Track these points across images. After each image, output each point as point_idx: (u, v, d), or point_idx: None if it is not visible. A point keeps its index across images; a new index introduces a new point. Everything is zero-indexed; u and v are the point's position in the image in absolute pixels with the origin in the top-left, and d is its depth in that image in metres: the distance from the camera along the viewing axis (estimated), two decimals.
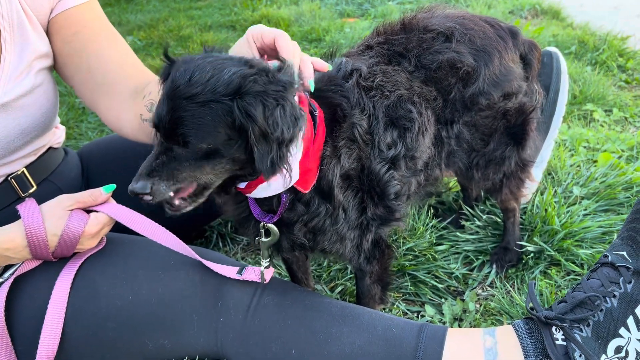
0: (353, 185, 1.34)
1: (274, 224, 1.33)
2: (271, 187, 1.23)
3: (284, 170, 1.14)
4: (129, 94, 1.61)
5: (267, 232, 1.34)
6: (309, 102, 1.26)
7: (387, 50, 1.46)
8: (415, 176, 1.48)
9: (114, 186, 1.43)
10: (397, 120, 1.38)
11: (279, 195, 1.28)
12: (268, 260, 1.39)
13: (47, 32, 1.65)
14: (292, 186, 1.25)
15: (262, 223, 1.32)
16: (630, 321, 1.22)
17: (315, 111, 1.26)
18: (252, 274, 1.37)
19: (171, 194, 1.16)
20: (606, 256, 1.31)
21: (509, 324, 1.59)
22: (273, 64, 1.21)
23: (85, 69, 1.64)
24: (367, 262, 1.48)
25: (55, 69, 1.73)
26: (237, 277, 1.37)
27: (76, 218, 1.35)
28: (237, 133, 1.11)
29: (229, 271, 1.37)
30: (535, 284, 1.38)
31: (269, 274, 1.40)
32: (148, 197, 1.14)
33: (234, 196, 1.34)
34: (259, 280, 1.36)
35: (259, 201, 1.32)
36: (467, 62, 1.48)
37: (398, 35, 1.49)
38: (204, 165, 1.14)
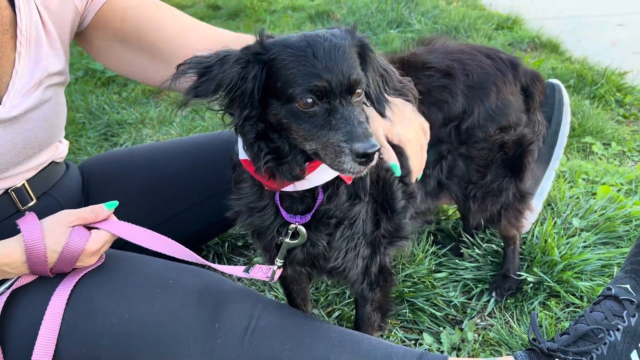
0: (372, 194, 1.34)
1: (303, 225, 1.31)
2: (328, 170, 1.20)
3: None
4: None
5: (294, 235, 1.33)
6: None
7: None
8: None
9: (116, 203, 1.41)
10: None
11: (313, 193, 1.27)
12: (283, 260, 1.37)
13: (92, 37, 1.68)
14: (331, 181, 1.25)
15: (292, 224, 1.30)
16: (635, 355, 1.20)
17: None
18: (259, 272, 1.36)
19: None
20: (609, 289, 1.30)
21: (508, 354, 1.57)
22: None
23: (148, 45, 1.66)
24: (369, 288, 1.46)
25: (114, 66, 1.77)
26: (245, 275, 1.37)
27: (77, 235, 1.33)
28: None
29: (236, 270, 1.38)
30: (537, 314, 1.37)
31: (278, 274, 1.39)
32: (377, 157, 1.05)
33: (256, 199, 1.33)
34: (267, 279, 1.35)
35: (285, 204, 1.31)
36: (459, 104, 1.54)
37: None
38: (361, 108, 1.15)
